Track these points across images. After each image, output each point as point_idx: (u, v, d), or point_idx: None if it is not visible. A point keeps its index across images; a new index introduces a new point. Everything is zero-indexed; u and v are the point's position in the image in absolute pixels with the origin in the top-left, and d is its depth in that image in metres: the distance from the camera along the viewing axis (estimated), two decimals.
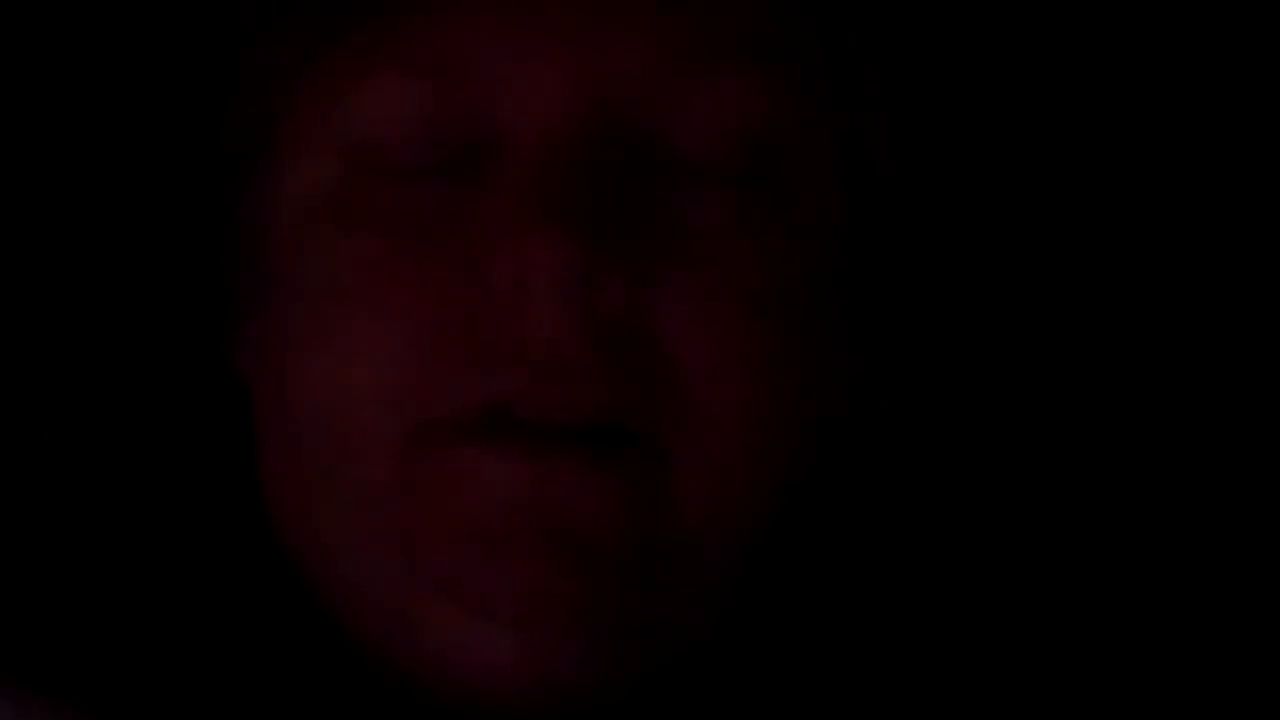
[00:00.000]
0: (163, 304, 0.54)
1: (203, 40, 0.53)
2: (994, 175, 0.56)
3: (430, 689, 0.45)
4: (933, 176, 0.53)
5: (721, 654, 0.48)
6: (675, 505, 0.45)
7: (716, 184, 0.46)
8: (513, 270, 0.43)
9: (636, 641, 0.45)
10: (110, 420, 0.52)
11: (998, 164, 0.56)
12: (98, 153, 0.56)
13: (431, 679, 0.45)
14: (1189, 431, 0.54)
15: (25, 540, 0.50)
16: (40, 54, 0.56)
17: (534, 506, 0.43)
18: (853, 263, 0.49)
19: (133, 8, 0.56)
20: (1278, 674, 0.49)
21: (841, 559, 0.51)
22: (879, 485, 0.52)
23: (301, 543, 0.48)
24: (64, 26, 0.56)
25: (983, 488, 0.53)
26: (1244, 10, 0.57)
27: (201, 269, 0.53)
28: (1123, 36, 0.57)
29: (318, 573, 0.48)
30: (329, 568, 0.47)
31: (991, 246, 0.56)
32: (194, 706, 0.47)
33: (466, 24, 0.46)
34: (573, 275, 0.43)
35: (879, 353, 0.51)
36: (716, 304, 0.45)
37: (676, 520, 0.45)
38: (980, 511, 0.53)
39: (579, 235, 0.43)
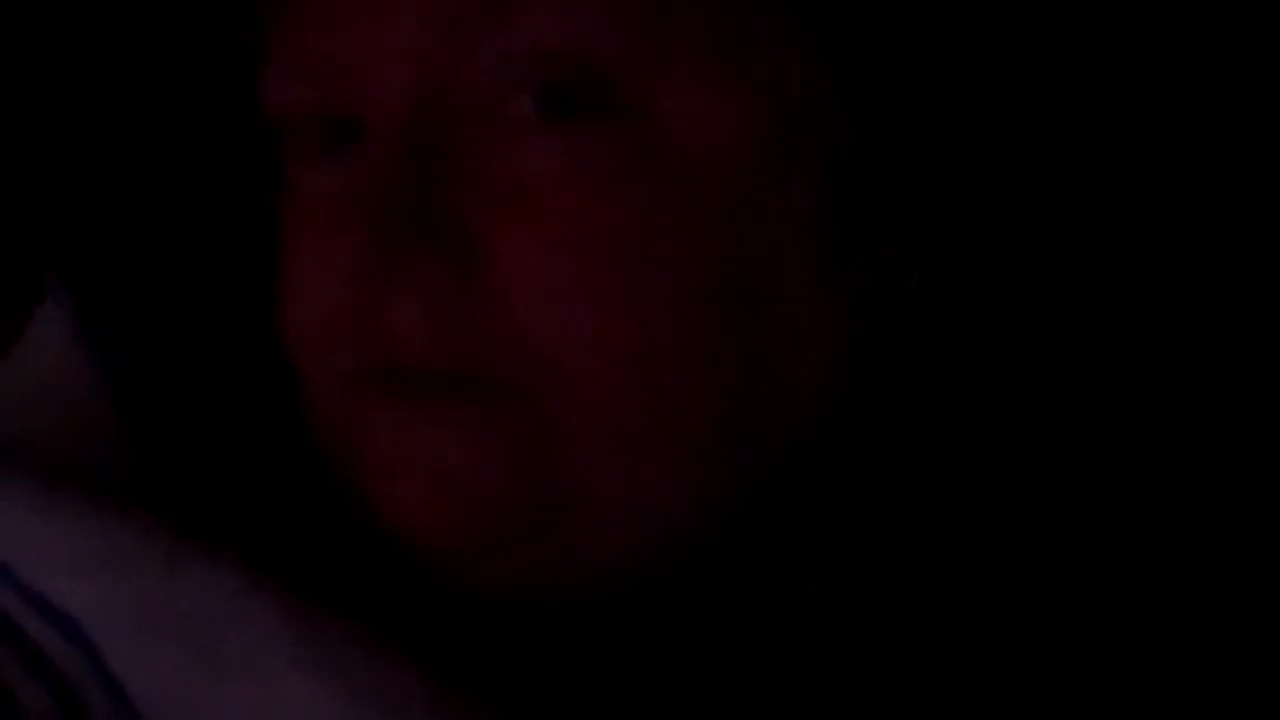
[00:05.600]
0: None
1: None
2: (962, 126, 0.52)
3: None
4: (897, 119, 0.49)
5: (695, 577, 0.49)
6: (559, 448, 0.46)
7: (560, 131, 0.46)
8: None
9: (558, 563, 0.47)
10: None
11: (964, 116, 0.52)
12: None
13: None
14: (1184, 428, 0.53)
15: None
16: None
17: (414, 444, 0.47)
18: (764, 201, 0.47)
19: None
20: (1278, 674, 0.48)
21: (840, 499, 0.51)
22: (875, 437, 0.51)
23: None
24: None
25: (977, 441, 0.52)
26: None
27: None
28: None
29: None
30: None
31: (959, 202, 0.52)
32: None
33: (318, 23, 0.48)
34: (376, 265, 0.46)
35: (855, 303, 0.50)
36: (553, 257, 0.45)
37: (564, 461, 0.46)
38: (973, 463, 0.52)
39: (378, 230, 0.46)
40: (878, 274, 0.50)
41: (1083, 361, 0.53)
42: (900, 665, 0.49)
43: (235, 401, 0.52)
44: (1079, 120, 0.54)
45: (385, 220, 0.46)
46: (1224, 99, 0.55)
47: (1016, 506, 0.51)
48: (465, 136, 0.46)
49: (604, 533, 0.47)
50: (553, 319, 0.46)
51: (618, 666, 0.49)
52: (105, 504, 0.47)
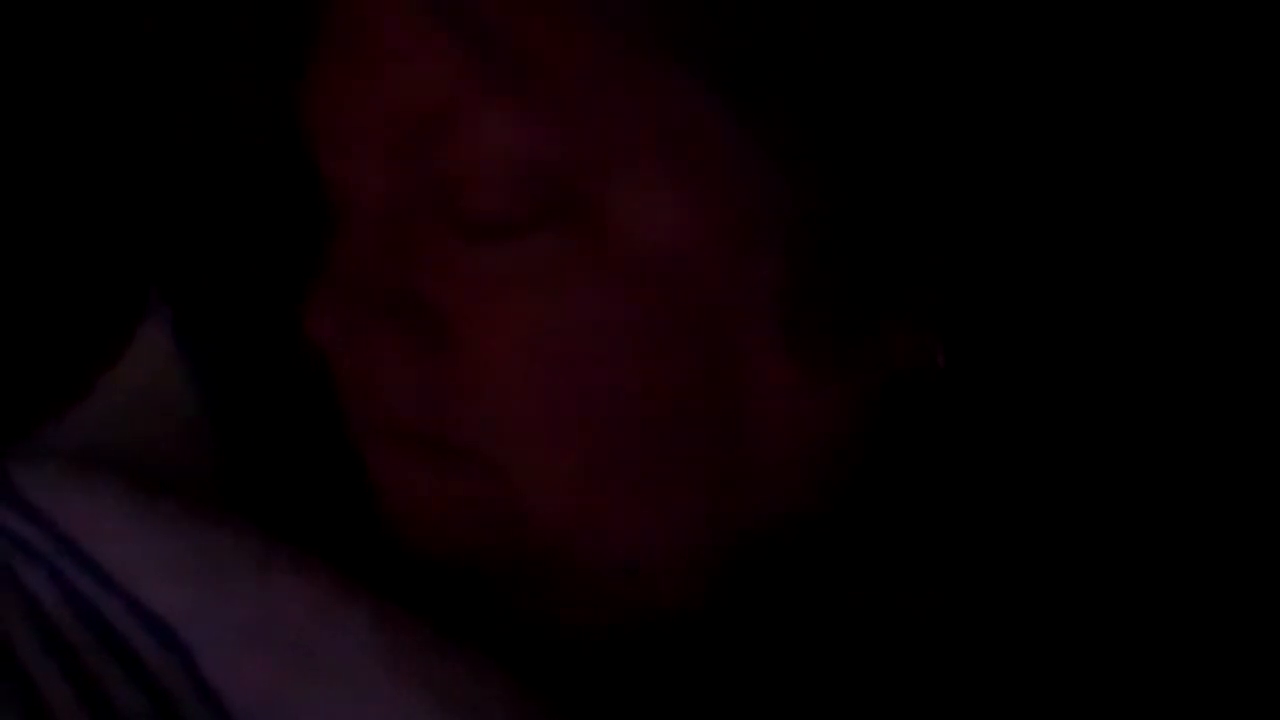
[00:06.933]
0: None
1: None
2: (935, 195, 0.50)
3: None
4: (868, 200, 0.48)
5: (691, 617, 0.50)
6: (523, 517, 0.48)
7: (510, 234, 0.46)
8: None
9: (560, 610, 0.49)
10: None
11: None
12: None
13: None
14: (1185, 431, 0.52)
15: None
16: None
17: (396, 483, 0.50)
18: (720, 299, 0.47)
19: None
20: (1278, 674, 0.48)
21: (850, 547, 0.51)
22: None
23: None
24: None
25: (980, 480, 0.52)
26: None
27: None
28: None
29: None
30: None
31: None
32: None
33: (324, 101, 0.50)
34: (352, 332, 0.48)
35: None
36: (507, 352, 0.47)
37: (532, 528, 0.48)
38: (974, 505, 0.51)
39: (355, 302, 0.48)
40: (890, 356, 0.49)
41: (1097, 418, 0.52)
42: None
43: (326, 415, 0.53)
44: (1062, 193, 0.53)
45: (360, 295, 0.48)
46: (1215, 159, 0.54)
47: (1040, 564, 0.50)
48: (433, 225, 0.48)
49: (592, 596, 0.49)
50: (508, 411, 0.47)
51: (665, 689, 0.50)
52: (200, 512, 0.48)
